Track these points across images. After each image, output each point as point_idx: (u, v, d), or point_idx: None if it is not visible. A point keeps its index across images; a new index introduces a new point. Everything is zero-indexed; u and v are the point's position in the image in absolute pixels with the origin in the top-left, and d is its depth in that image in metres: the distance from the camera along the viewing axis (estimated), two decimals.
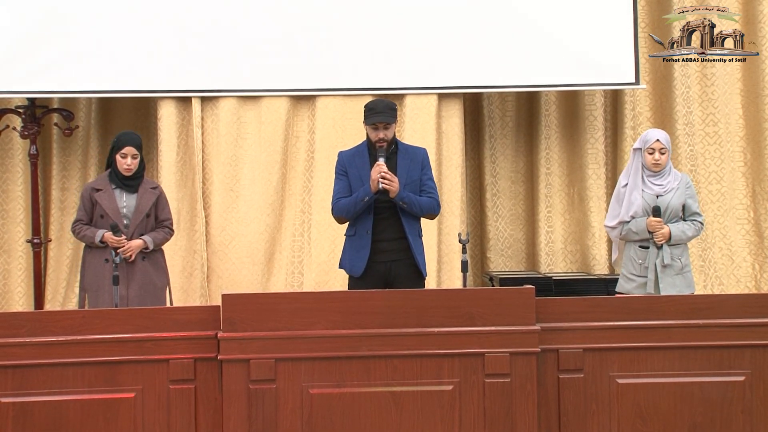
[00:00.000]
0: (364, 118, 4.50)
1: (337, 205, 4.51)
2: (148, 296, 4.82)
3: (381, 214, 4.45)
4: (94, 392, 3.23)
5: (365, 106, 4.54)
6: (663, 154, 4.65)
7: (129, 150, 4.81)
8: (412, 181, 4.49)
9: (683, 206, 4.71)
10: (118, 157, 4.82)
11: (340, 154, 4.65)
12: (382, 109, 4.45)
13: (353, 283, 4.51)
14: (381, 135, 4.43)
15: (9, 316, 3.30)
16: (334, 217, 4.59)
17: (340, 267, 4.62)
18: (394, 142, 4.55)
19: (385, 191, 4.36)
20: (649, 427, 3.37)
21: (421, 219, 4.58)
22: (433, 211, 4.57)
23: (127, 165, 4.81)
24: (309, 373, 3.25)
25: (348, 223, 4.56)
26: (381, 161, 4.37)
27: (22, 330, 3.22)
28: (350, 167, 4.52)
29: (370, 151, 4.52)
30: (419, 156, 4.59)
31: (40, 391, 3.21)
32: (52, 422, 3.20)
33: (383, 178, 4.33)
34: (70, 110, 6.34)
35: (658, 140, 4.62)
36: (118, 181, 4.85)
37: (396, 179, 4.37)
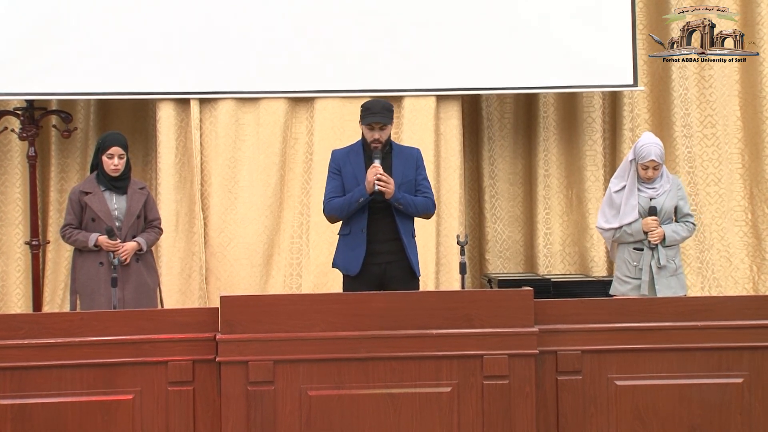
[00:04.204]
0: (361, 118, 4.51)
1: (330, 204, 4.51)
2: (143, 297, 4.80)
3: (376, 214, 4.45)
4: (92, 394, 3.23)
5: (362, 106, 4.54)
6: (656, 169, 4.67)
7: (115, 150, 4.76)
8: (407, 182, 4.50)
9: (675, 208, 4.73)
10: (104, 158, 4.77)
11: (334, 153, 4.65)
12: (378, 110, 4.45)
13: (348, 282, 4.51)
14: (376, 135, 4.44)
15: (7, 318, 3.30)
16: (326, 215, 4.58)
17: (333, 266, 4.61)
18: (389, 143, 4.56)
19: (380, 192, 4.36)
20: (648, 428, 3.37)
21: (415, 219, 4.58)
22: (428, 210, 4.57)
23: (114, 165, 4.76)
24: (307, 375, 3.25)
25: (341, 222, 4.56)
26: (377, 163, 4.37)
27: (20, 332, 3.22)
28: (344, 166, 4.52)
29: (365, 150, 4.53)
30: (413, 156, 4.60)
31: (39, 393, 3.21)
32: (50, 424, 3.20)
33: (379, 179, 4.33)
34: (69, 112, 6.33)
35: (652, 159, 4.63)
36: (107, 182, 4.80)
37: (392, 181, 4.38)
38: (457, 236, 4.56)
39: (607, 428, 3.37)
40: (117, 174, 4.79)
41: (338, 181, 4.52)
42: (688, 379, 3.39)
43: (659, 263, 4.62)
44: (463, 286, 4.28)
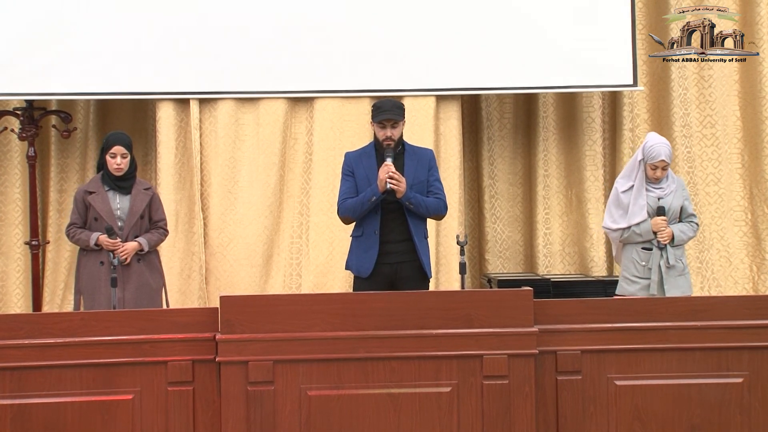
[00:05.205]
0: (372, 117, 4.51)
1: (344, 205, 4.51)
2: (144, 298, 4.80)
3: (388, 215, 4.46)
4: (92, 394, 3.22)
5: (373, 105, 4.55)
6: (665, 169, 4.69)
7: (118, 149, 4.77)
8: (419, 182, 4.50)
9: (680, 208, 4.74)
10: (107, 157, 4.79)
11: (347, 155, 4.65)
12: (389, 108, 4.46)
13: (359, 283, 4.51)
14: (388, 133, 4.44)
15: (7, 318, 3.30)
16: (341, 217, 4.58)
17: (346, 268, 4.62)
18: (401, 143, 4.56)
19: (391, 191, 4.36)
20: (647, 429, 3.37)
21: (427, 221, 4.59)
22: (439, 211, 4.57)
23: (117, 164, 4.78)
24: (307, 375, 3.25)
25: (354, 224, 4.56)
26: (389, 161, 4.38)
27: (20, 332, 3.22)
28: (357, 167, 4.53)
29: (377, 151, 4.53)
30: (426, 157, 4.61)
31: (38, 393, 3.21)
32: (50, 424, 3.20)
33: (391, 177, 4.33)
34: (68, 112, 6.34)
35: (662, 159, 4.64)
36: (111, 182, 4.82)
37: (403, 179, 4.38)
38: (457, 236, 4.56)
39: (606, 428, 3.37)
40: (120, 173, 4.80)
41: (351, 183, 4.52)
42: (687, 379, 3.39)
43: (668, 263, 4.62)
44: (462, 286, 4.28)
